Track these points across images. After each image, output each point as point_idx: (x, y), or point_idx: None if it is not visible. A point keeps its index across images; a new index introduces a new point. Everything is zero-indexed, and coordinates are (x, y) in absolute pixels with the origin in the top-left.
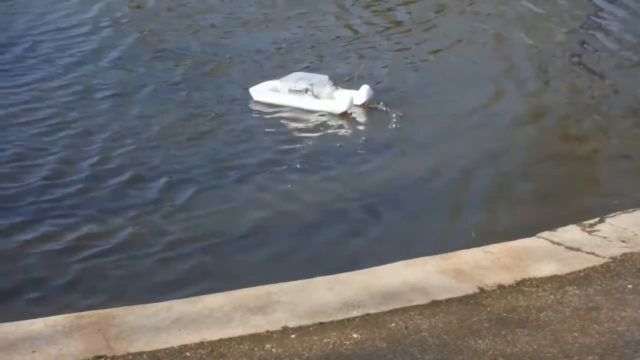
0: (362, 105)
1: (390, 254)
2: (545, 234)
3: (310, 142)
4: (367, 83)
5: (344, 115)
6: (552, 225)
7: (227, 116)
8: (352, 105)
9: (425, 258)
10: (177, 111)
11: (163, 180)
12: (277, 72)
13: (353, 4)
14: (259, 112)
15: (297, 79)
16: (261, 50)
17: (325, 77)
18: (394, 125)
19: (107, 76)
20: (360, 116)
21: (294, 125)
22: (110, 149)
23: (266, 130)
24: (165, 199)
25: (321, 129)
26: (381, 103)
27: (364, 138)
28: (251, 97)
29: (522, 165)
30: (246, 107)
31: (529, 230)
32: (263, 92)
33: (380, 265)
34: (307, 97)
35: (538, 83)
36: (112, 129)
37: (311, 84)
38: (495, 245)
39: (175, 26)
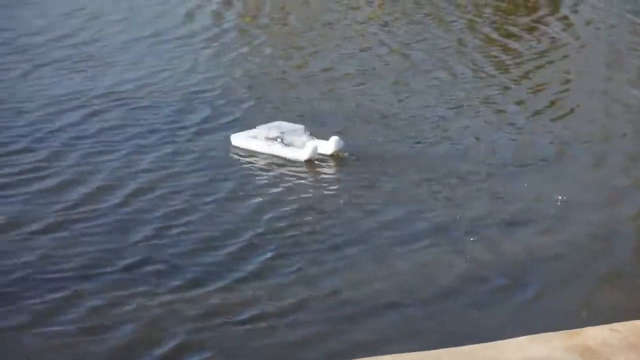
0: (332, 155)
1: (514, 328)
2: None
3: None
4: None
5: (310, 163)
6: None
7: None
8: (315, 154)
9: (551, 334)
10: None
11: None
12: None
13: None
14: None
15: (272, 128)
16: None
17: (300, 127)
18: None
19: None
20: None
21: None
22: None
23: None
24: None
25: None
26: (346, 153)
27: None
28: (230, 144)
29: None
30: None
31: None
32: (242, 139)
33: (504, 339)
34: (277, 144)
35: None
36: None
37: (282, 133)
38: (622, 323)
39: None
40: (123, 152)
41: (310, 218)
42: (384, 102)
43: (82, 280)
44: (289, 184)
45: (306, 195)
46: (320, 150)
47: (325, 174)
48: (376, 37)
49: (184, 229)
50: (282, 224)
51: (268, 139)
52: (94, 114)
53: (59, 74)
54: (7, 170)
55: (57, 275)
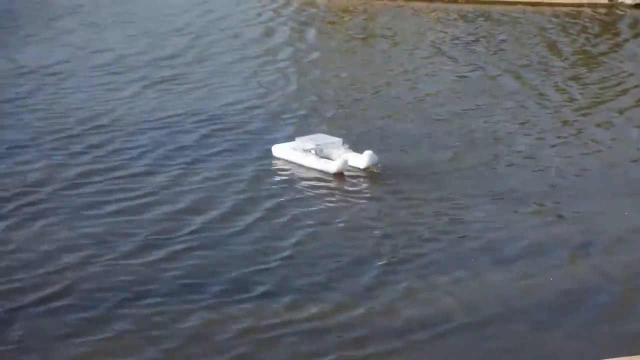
0: (365, 170)
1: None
2: None
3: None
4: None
5: (340, 176)
6: None
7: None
8: (345, 167)
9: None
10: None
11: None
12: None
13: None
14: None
15: (309, 140)
16: None
17: (338, 140)
18: None
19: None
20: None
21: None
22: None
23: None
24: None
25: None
26: (384, 168)
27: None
28: (272, 154)
29: None
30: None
31: None
32: (282, 150)
33: None
34: (311, 156)
35: None
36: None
37: (317, 145)
38: None
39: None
40: (237, 177)
41: (399, 237)
42: (467, 124)
43: (183, 303)
44: (375, 204)
45: (386, 214)
46: (354, 164)
47: (400, 194)
48: (459, 57)
49: (282, 252)
50: (380, 247)
51: (304, 150)
52: (201, 137)
53: (162, 94)
54: (126, 194)
55: (159, 298)
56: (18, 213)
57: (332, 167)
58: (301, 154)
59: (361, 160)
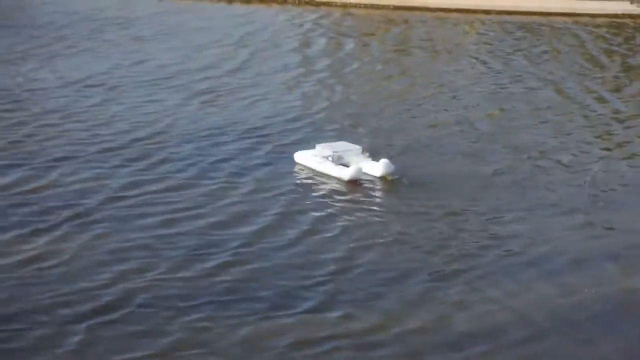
0: (381, 178)
1: None
2: None
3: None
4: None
5: (354, 183)
6: None
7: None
8: (359, 174)
9: None
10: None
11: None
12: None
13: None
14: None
15: (327, 147)
16: None
17: (358, 148)
18: None
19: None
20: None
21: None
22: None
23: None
24: None
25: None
26: (400, 177)
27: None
28: (294, 161)
29: None
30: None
31: None
32: (303, 157)
33: None
34: (327, 163)
35: None
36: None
37: (335, 152)
38: None
39: None
40: (280, 189)
41: (442, 250)
42: (508, 136)
43: (266, 320)
44: (414, 217)
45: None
46: (370, 172)
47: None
48: (498, 68)
49: (327, 265)
50: (425, 259)
51: (323, 157)
52: (244, 149)
53: (205, 106)
54: (174, 206)
55: (238, 318)
56: (67, 225)
57: (346, 174)
58: (320, 160)
59: (376, 168)
